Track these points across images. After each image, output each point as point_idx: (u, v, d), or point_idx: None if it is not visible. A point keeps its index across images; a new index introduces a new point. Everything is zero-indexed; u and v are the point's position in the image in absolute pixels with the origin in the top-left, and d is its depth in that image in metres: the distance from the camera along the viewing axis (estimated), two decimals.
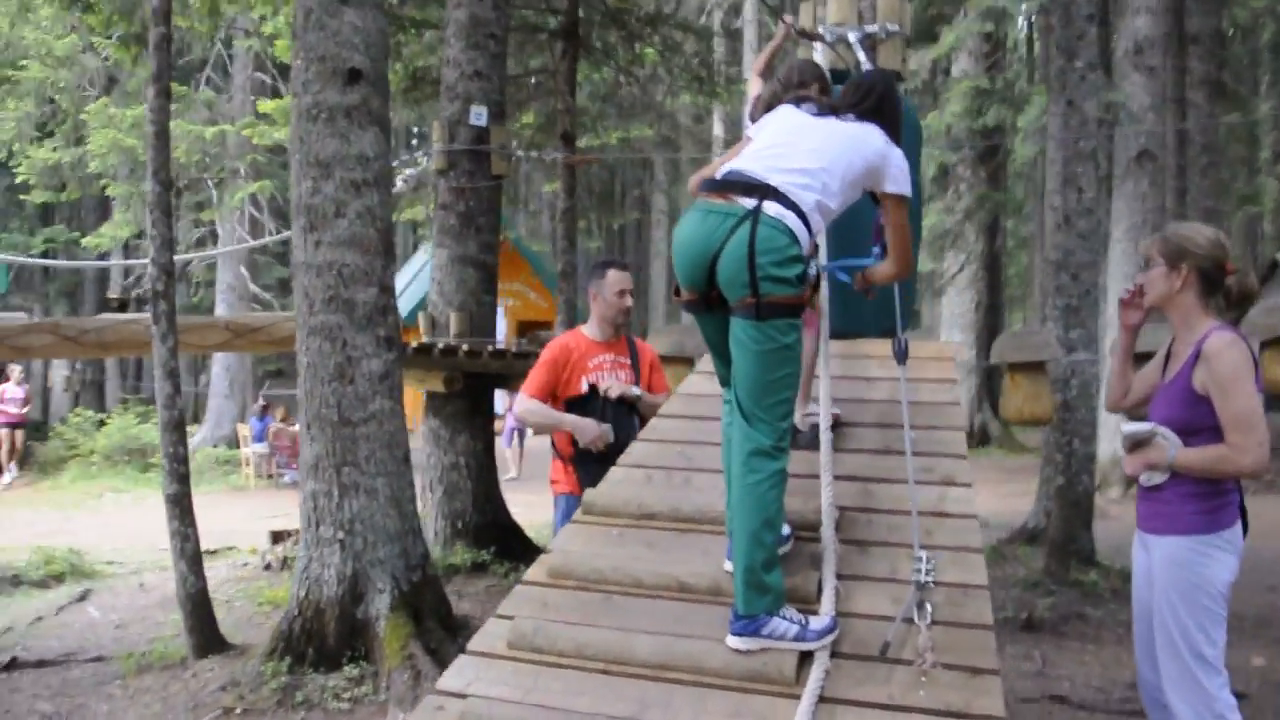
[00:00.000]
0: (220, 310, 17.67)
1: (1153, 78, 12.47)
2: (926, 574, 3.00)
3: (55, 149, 15.82)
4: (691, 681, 2.88)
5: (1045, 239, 9.54)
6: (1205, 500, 2.97)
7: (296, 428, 15.61)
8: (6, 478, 15.14)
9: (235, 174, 16.31)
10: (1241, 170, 21.92)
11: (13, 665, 5.99)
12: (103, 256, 18.62)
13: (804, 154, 2.98)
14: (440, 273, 7.69)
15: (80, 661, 6.04)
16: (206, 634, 5.74)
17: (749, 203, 2.85)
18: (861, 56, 4.38)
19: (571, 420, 4.39)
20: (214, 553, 9.47)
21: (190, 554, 5.77)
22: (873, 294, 3.69)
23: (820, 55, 4.46)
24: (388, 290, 5.44)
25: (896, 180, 3.09)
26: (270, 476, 15.26)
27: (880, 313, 4.46)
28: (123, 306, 20.19)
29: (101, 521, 11.77)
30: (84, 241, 17.80)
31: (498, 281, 7.94)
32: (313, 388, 5.30)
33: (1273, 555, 7.68)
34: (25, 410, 16.07)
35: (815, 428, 3.58)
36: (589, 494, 3.80)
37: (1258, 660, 5.41)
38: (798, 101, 3.18)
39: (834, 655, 2.89)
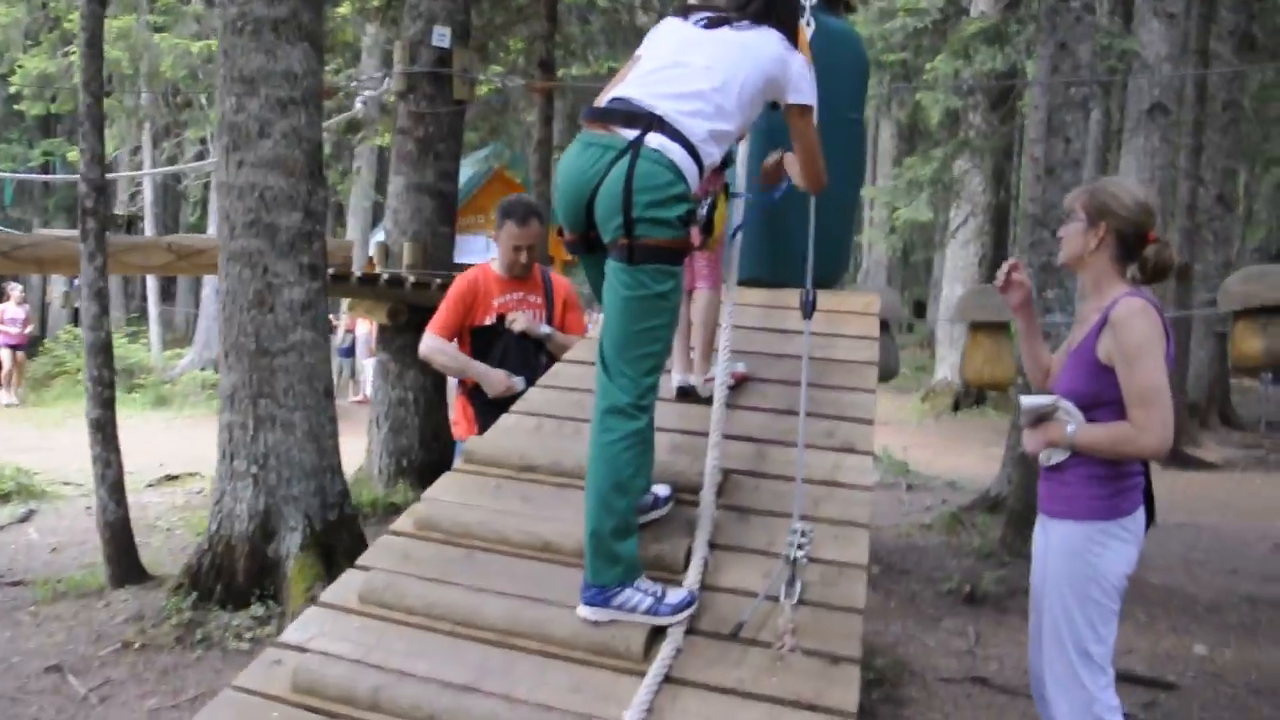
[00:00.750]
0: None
1: (1173, 25, 11.93)
2: (800, 549, 2.78)
3: (44, 58, 15.48)
4: (537, 650, 2.71)
5: (1023, 191, 9.15)
6: (1107, 484, 2.75)
7: None
8: (3, 398, 14.98)
9: None
10: (1275, 129, 21.18)
11: None
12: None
13: (694, 74, 2.71)
14: (396, 200, 7.43)
15: (1, 584, 5.95)
16: (125, 564, 5.62)
17: (630, 134, 2.59)
18: None
19: (478, 369, 4.17)
20: (175, 478, 9.42)
21: (112, 481, 5.63)
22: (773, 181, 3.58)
23: None
24: (313, 215, 5.19)
25: (799, 89, 2.86)
26: None
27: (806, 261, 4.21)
28: (130, 223, 20.03)
29: (76, 441, 11.63)
30: (69, 156, 17.55)
31: (456, 211, 7.66)
32: (231, 315, 5.09)
33: (1254, 536, 7.44)
34: (27, 331, 15.85)
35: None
36: (471, 441, 3.60)
37: (1199, 648, 5.18)
38: (684, 13, 2.88)
39: (690, 632, 2.71)
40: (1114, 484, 2.75)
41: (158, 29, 15.37)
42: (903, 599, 6.13)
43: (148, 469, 9.41)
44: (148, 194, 17.32)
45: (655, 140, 2.58)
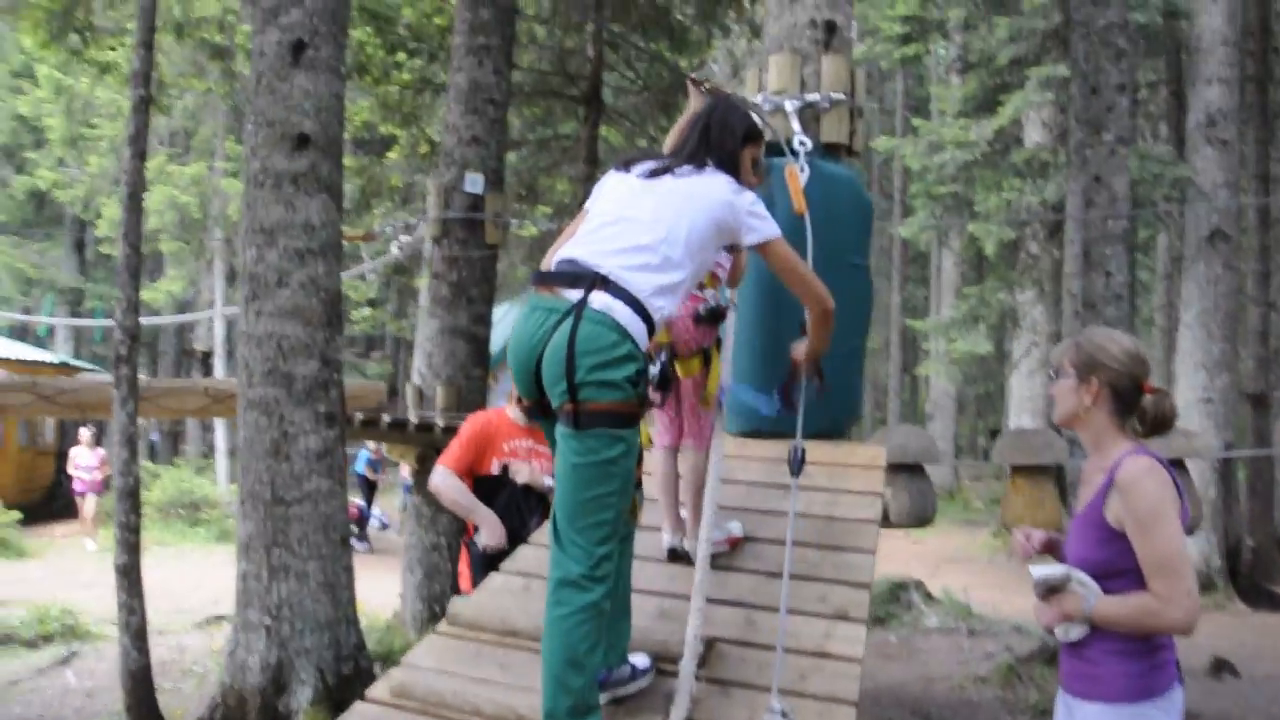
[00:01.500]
0: None
1: (1226, 152, 11.75)
2: None
3: (112, 204, 16.34)
4: None
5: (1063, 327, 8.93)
6: (1136, 659, 2.47)
7: None
8: (87, 545, 13.93)
9: None
10: None
11: None
12: (155, 312, 19.05)
13: (639, 227, 2.65)
14: (430, 344, 7.51)
15: None
16: (144, 713, 5.51)
17: (574, 295, 2.53)
18: (796, 128, 4.05)
19: (483, 513, 4.09)
20: (223, 618, 9.39)
21: (135, 628, 5.58)
22: (825, 386, 3.41)
23: None
24: (330, 364, 5.24)
25: (754, 229, 2.75)
26: None
27: (815, 410, 4.09)
28: (205, 358, 20.68)
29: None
30: (144, 296, 18.30)
31: (489, 354, 7.72)
32: (248, 463, 5.11)
33: None
34: (102, 476, 14.18)
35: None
36: (455, 603, 3.49)
37: None
38: (626, 165, 2.84)
39: None
40: (1146, 659, 2.47)
41: (230, 174, 16.17)
42: None
43: (200, 607, 9.42)
44: (219, 331, 17.90)
45: (599, 300, 2.52)
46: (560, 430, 2.54)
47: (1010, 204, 13.15)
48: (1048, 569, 2.56)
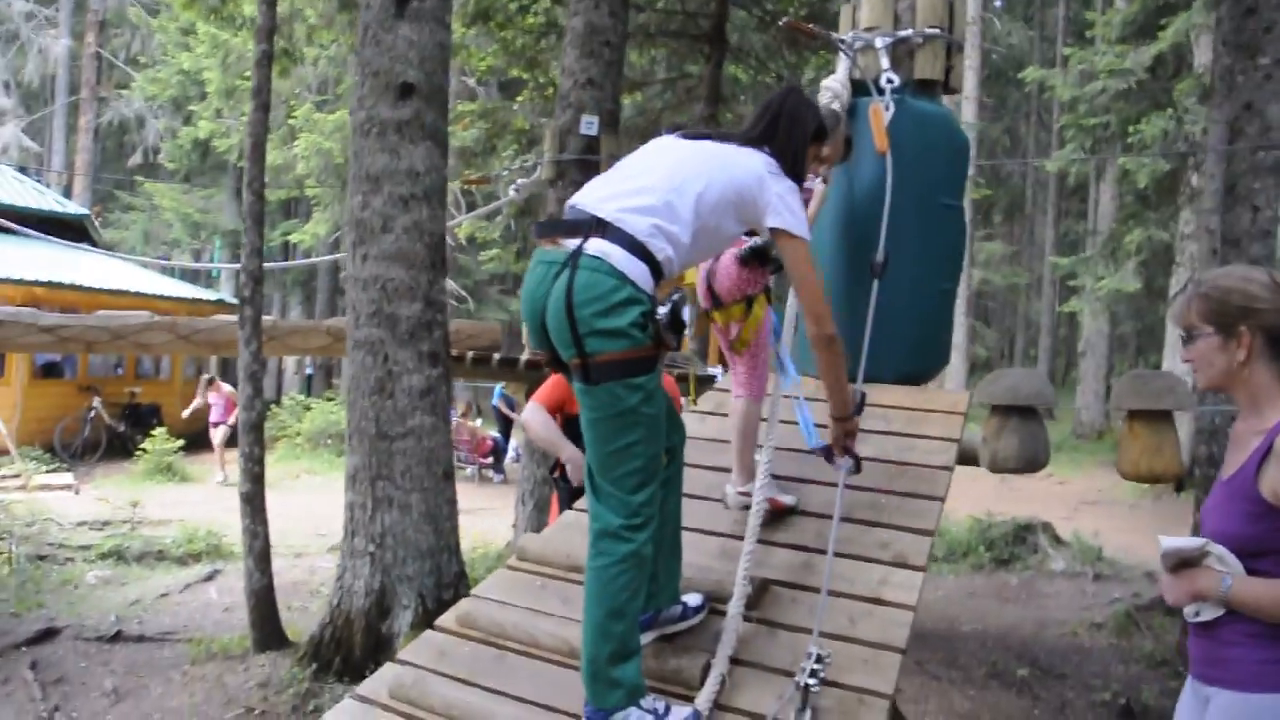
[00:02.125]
0: None
1: None
2: (813, 674, 2.62)
3: (274, 150, 17.12)
4: None
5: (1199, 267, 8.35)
6: (1278, 644, 2.14)
7: (477, 423, 16.25)
8: (219, 476, 13.99)
9: None
10: None
11: (117, 638, 6.46)
12: (307, 253, 19.95)
13: (651, 175, 2.57)
14: None
15: (173, 641, 6.43)
16: (268, 630, 5.94)
17: (572, 244, 2.47)
18: (885, 65, 3.91)
19: (569, 450, 4.20)
20: None
21: (259, 551, 5.99)
22: (859, 468, 3.15)
23: (843, 66, 4.02)
24: (434, 305, 5.42)
25: (779, 213, 2.62)
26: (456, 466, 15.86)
27: (898, 354, 4.01)
28: None
29: (285, 502, 12.50)
30: (291, 238, 19.20)
31: None
32: (355, 400, 5.36)
33: None
34: (230, 417, 13.92)
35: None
36: (523, 539, 3.61)
37: None
38: (677, 129, 2.80)
39: None
40: None
41: None
42: (1050, 708, 5.62)
43: (339, 532, 9.97)
44: None
45: (594, 246, 2.45)
46: (575, 386, 2.52)
47: (1167, 134, 12.33)
48: (1180, 540, 2.26)
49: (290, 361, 23.85)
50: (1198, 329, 2.26)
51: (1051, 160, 16.21)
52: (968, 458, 4.30)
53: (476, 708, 2.86)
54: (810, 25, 3.86)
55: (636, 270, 2.44)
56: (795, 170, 2.72)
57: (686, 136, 2.73)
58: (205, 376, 14.76)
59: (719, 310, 3.36)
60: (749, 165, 2.63)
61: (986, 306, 30.97)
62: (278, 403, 20.50)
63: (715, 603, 3.03)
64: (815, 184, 3.71)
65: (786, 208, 2.63)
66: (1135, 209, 14.09)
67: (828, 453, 3.08)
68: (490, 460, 15.29)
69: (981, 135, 26.78)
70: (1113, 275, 13.72)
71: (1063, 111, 16.67)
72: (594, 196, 2.57)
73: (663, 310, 2.45)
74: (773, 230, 2.66)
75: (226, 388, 14.21)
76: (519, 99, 11.09)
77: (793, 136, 2.73)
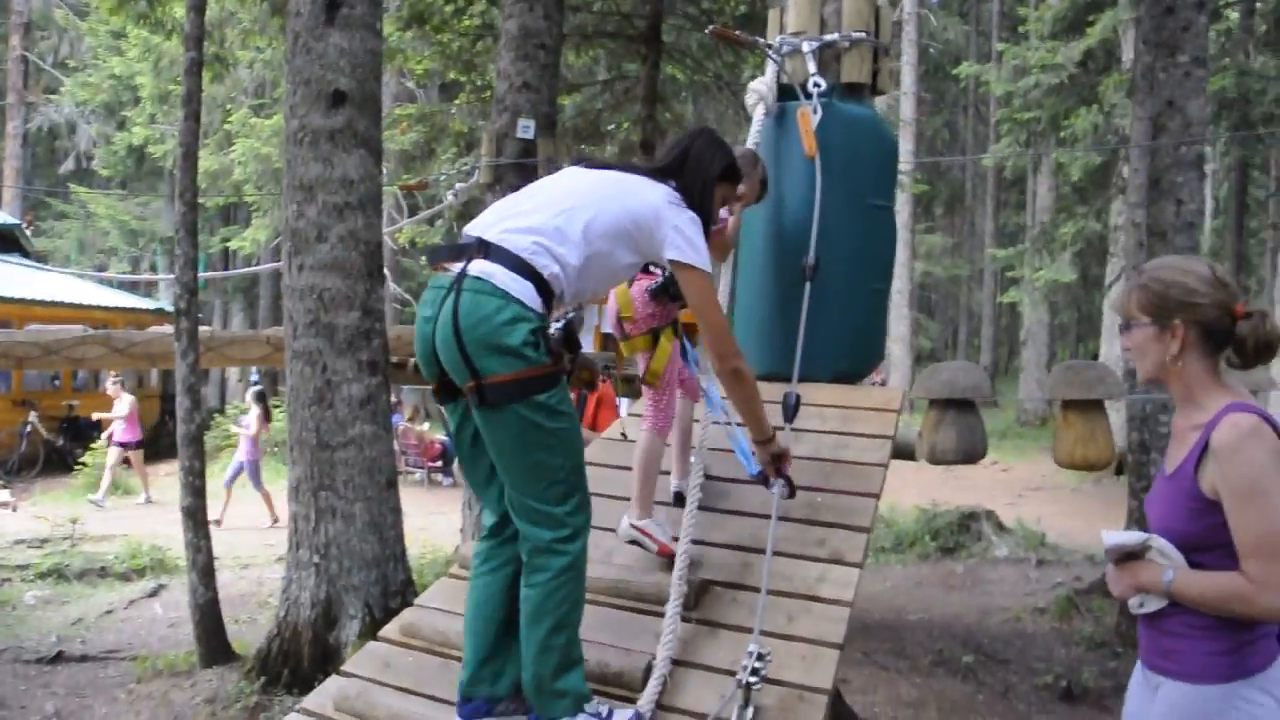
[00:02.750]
0: None
1: None
2: (753, 672, 2.67)
3: (211, 157, 16.88)
4: None
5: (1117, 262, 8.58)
6: (1226, 635, 2.15)
7: (424, 427, 16.14)
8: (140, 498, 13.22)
9: None
10: None
11: (58, 658, 6.35)
12: (248, 260, 19.68)
13: (540, 200, 2.59)
14: None
15: (117, 659, 6.33)
16: (214, 645, 5.87)
17: (458, 268, 2.46)
18: (812, 69, 3.97)
19: None
20: None
21: (202, 565, 5.92)
22: (792, 494, 3.14)
23: (770, 70, 4.08)
24: (372, 313, 5.40)
25: (677, 245, 2.60)
26: (401, 473, 15.73)
27: (832, 354, 4.08)
28: None
29: (232, 513, 12.35)
30: (231, 244, 18.94)
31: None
32: (295, 411, 5.32)
33: None
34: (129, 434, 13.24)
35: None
36: (465, 546, 3.62)
37: None
38: (582, 161, 2.80)
39: None
40: (1232, 635, 2.16)
41: None
42: (994, 692, 5.76)
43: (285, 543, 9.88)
44: None
45: (477, 268, 2.43)
46: (475, 412, 2.47)
47: (1098, 128, 12.62)
48: (1123, 535, 2.30)
49: (233, 371, 23.46)
50: (1136, 319, 2.26)
51: (987, 155, 16.51)
52: (904, 452, 4.39)
53: (420, 717, 2.89)
54: (737, 32, 3.92)
55: (520, 288, 2.41)
56: (701, 206, 2.71)
57: (590, 167, 2.73)
58: (114, 379, 13.43)
59: (625, 341, 3.36)
60: (647, 196, 2.62)
61: (929, 298, 31.41)
62: (222, 411, 20.19)
63: (653, 604, 3.06)
64: (726, 216, 3.72)
65: (685, 240, 2.61)
66: (1069, 201, 14.40)
67: (764, 479, 3.10)
68: (439, 464, 15.22)
69: (920, 130, 27.18)
70: (1049, 266, 14.01)
71: (998, 106, 16.99)
72: (483, 222, 2.58)
73: (556, 326, 2.44)
74: (671, 262, 2.64)
75: (128, 397, 13.38)
76: (457, 101, 11.05)
77: (699, 174, 2.73)
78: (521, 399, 2.38)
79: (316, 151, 5.20)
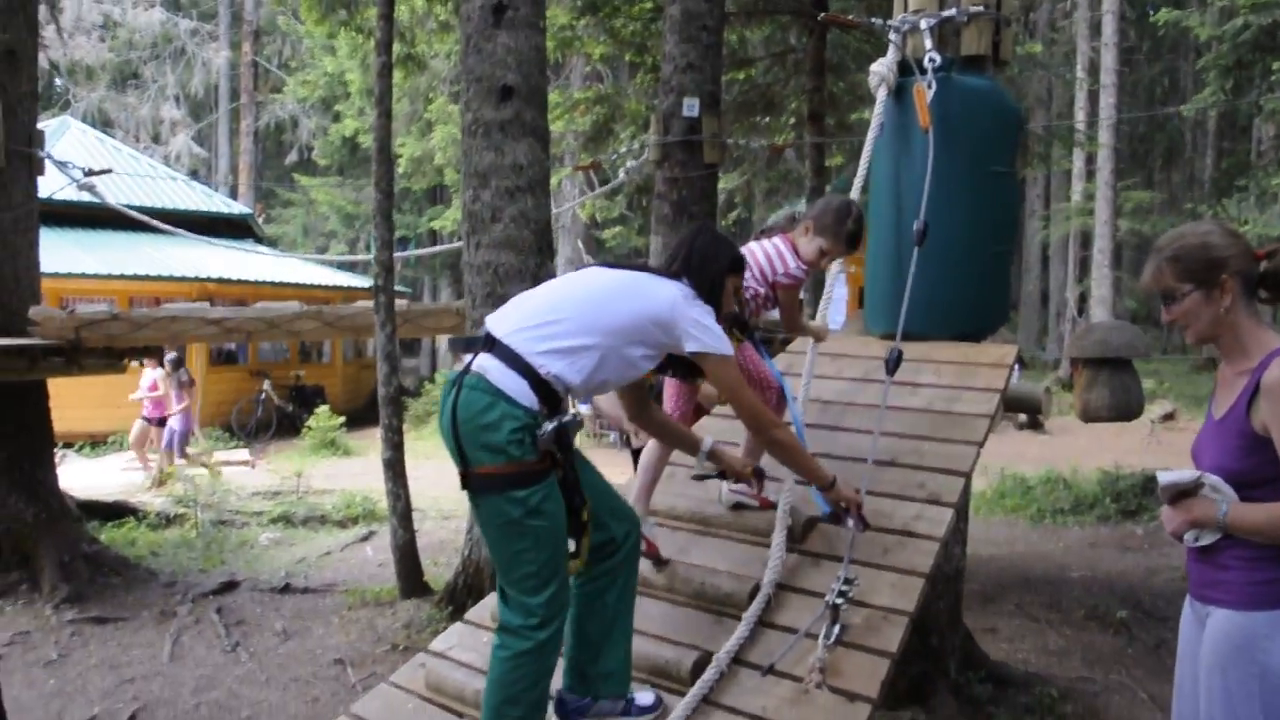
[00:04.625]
0: None
1: None
2: (840, 595, 3.02)
3: (415, 143, 18.15)
4: None
5: None
6: (1274, 565, 2.33)
7: None
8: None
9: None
10: None
11: (286, 589, 7.34)
12: (451, 237, 20.94)
13: (557, 299, 2.69)
14: (655, 260, 8.11)
15: (333, 592, 7.26)
16: (412, 580, 6.66)
17: (466, 361, 2.61)
18: (928, 45, 4.19)
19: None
20: None
21: (401, 511, 6.71)
22: (867, 526, 3.19)
23: (892, 50, 4.32)
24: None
25: (696, 338, 2.70)
26: (596, 436, 16.51)
27: (954, 314, 4.32)
28: None
29: (437, 472, 13.40)
30: (435, 224, 20.25)
31: None
32: None
33: None
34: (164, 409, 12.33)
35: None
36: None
37: None
38: (607, 264, 2.95)
39: (736, 661, 3.02)
40: None
41: None
42: (1146, 646, 5.82)
43: None
44: None
45: (478, 363, 2.54)
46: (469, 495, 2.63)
47: None
48: (1176, 474, 2.45)
49: (443, 340, 25.06)
50: (1178, 289, 2.40)
51: (1187, 106, 15.62)
52: (1031, 407, 4.55)
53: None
54: (849, 17, 4.18)
55: (513, 385, 2.50)
56: (711, 300, 2.81)
57: (609, 266, 2.85)
58: (171, 356, 12.10)
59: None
60: (662, 293, 2.72)
61: (1136, 259, 29.75)
62: (431, 380, 21.71)
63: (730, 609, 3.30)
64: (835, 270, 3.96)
65: (703, 330, 2.71)
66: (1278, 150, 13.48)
67: (835, 518, 3.23)
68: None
69: (1134, 81, 25.74)
70: (1256, 219, 13.20)
71: (1203, 54, 16.01)
72: (500, 316, 2.69)
73: (548, 426, 2.51)
74: (693, 355, 2.74)
75: (152, 373, 12.10)
76: (635, 81, 11.56)
77: (705, 271, 2.83)
78: (500, 493, 2.51)
79: (489, 141, 5.78)
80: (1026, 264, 28.30)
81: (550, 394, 2.56)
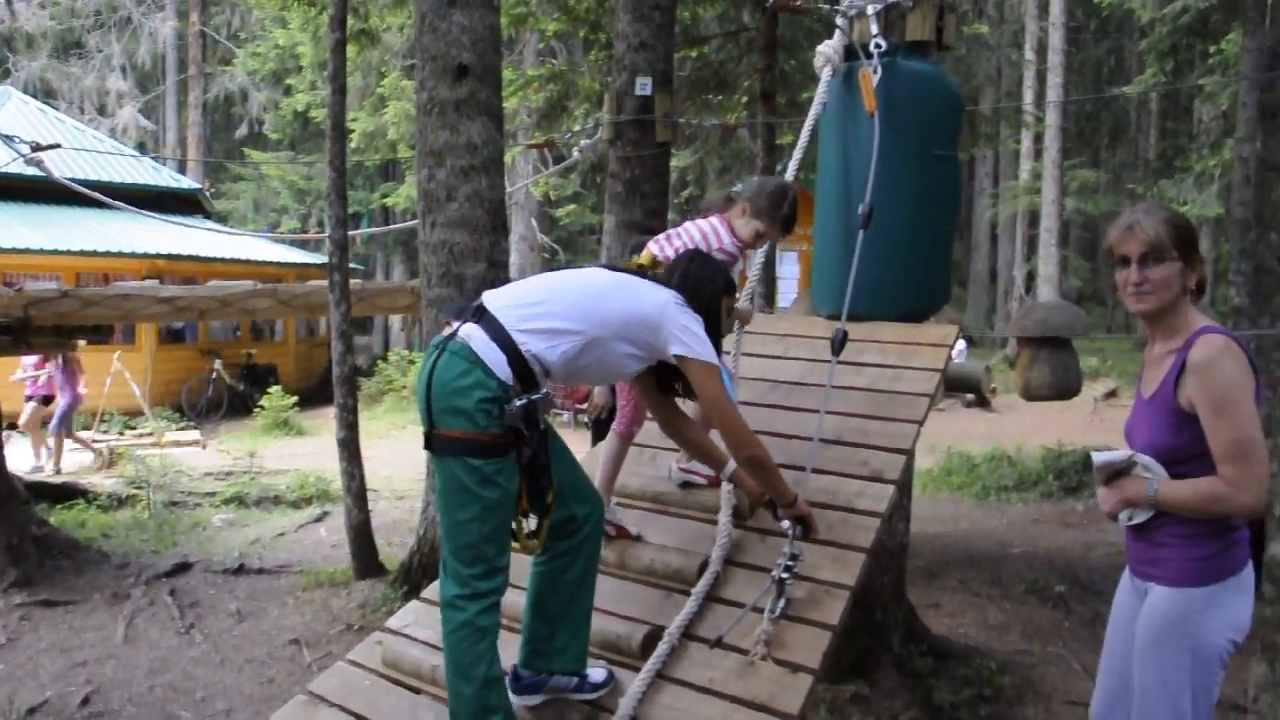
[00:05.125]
0: (514, 259, 19.36)
1: None
2: (785, 570, 3.12)
3: (367, 119, 18.00)
4: None
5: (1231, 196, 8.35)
6: (1207, 542, 2.43)
7: None
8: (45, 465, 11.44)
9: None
10: None
11: (240, 570, 7.33)
12: (404, 214, 20.81)
13: (555, 285, 2.79)
14: (608, 237, 8.13)
15: (287, 572, 7.27)
16: (366, 560, 6.69)
17: (453, 327, 2.68)
18: (874, 30, 4.27)
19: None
20: None
21: (355, 490, 6.73)
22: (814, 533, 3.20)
23: (838, 33, 4.40)
24: (496, 265, 5.99)
25: (683, 342, 2.74)
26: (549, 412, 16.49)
27: (898, 294, 4.42)
28: None
29: (391, 452, 13.42)
30: (388, 201, 20.11)
31: None
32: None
33: None
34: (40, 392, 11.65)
35: None
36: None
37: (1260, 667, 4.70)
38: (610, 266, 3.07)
39: (686, 635, 3.11)
40: (1215, 541, 2.43)
41: None
42: (1082, 620, 6.01)
43: None
44: None
45: (463, 331, 2.61)
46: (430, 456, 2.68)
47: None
48: (1109, 454, 2.53)
49: (396, 318, 24.95)
50: (1168, 253, 2.41)
51: (1130, 87, 15.91)
52: (970, 386, 4.68)
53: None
54: (798, 2, 4.24)
55: (493, 357, 2.56)
56: (708, 320, 2.84)
57: (610, 269, 2.98)
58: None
59: None
60: (654, 296, 2.78)
61: (1082, 238, 30.28)
62: (384, 358, 21.59)
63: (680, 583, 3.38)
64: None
65: (690, 336, 2.75)
66: (1217, 131, 13.81)
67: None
68: (584, 406, 15.93)
69: (1080, 61, 26.09)
70: (1194, 200, 13.54)
71: (1145, 34, 16.34)
72: (496, 291, 2.79)
73: (517, 402, 2.55)
74: (677, 358, 2.77)
75: (31, 358, 11.24)
76: (590, 58, 11.55)
77: (701, 294, 2.87)
78: (458, 456, 2.56)
79: (444, 120, 5.78)
80: (975, 242, 28.68)
81: (527, 371, 2.60)
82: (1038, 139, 22.49)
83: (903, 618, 5.11)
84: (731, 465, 3.09)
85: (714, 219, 3.63)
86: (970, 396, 16.00)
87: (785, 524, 3.15)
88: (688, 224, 3.67)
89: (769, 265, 10.68)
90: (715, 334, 2.87)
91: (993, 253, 29.04)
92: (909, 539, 5.28)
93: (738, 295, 3.41)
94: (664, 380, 3.02)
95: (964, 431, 13.38)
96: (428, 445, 2.64)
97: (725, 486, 3.44)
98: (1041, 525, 8.80)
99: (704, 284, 2.91)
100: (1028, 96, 20.93)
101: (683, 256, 3.07)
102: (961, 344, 17.62)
